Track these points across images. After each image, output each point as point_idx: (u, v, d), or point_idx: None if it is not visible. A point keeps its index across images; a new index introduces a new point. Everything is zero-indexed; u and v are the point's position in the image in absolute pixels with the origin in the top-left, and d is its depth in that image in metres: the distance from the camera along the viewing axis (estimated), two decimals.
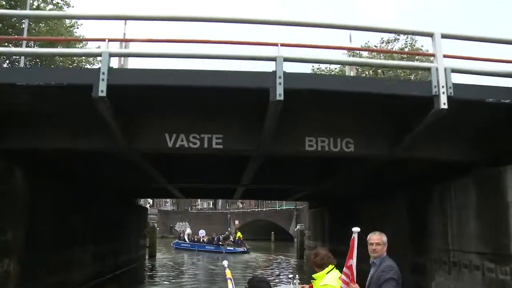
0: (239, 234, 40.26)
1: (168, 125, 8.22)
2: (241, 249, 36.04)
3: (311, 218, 24.02)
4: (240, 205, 78.55)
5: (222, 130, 8.34)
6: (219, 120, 8.33)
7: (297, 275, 7.81)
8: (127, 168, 11.28)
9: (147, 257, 26.21)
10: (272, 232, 52.35)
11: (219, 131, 8.32)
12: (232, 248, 36.15)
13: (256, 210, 63.39)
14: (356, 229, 4.57)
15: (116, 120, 7.23)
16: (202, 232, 42.91)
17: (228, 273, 6.33)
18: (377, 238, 4.74)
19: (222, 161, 11.33)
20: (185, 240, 39.98)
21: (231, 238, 39.40)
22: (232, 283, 5.77)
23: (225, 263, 7.08)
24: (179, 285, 17.96)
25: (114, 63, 7.78)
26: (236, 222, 60.49)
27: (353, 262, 4.58)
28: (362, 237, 4.68)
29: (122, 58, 8.98)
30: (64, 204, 12.05)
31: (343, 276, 4.61)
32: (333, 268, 4.66)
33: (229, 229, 60.20)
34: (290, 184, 15.61)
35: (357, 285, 4.50)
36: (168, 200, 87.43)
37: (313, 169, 12.87)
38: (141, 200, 78.23)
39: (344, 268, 4.61)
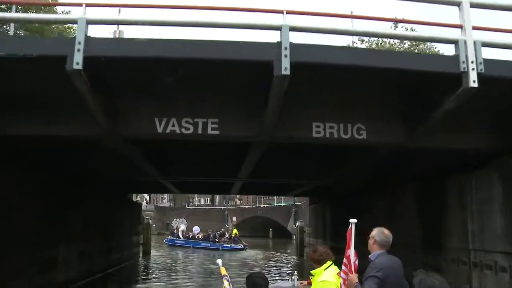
0: (235, 231, 39.42)
1: (158, 107, 7.25)
2: (238, 246, 35.40)
3: (311, 214, 23.10)
4: (238, 202, 77.67)
5: (219, 114, 7.36)
6: (215, 103, 7.36)
7: (295, 271, 7.56)
8: (114, 158, 10.30)
9: (141, 254, 25.28)
10: (270, 229, 51.50)
11: (215, 115, 7.34)
12: (229, 245, 35.47)
13: (254, 206, 62.52)
14: (353, 220, 4.62)
15: (96, 99, 6.24)
16: (196, 229, 42.16)
17: (222, 270, 6.06)
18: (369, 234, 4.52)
19: (219, 150, 10.32)
20: (179, 237, 39.08)
21: (227, 235, 38.57)
22: (228, 280, 5.54)
23: (219, 261, 6.90)
24: (175, 285, 17.00)
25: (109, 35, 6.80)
26: (234, 218, 59.68)
27: (351, 252, 4.55)
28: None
29: (118, 30, 8.01)
30: (47, 199, 11.08)
31: (343, 267, 4.58)
32: (332, 264, 4.65)
33: (226, 225, 59.58)
34: (292, 178, 14.67)
35: (356, 275, 4.36)
36: (165, 196, 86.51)
37: (317, 160, 11.90)
38: (138, 196, 77.74)
39: (344, 259, 4.58)
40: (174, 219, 63.09)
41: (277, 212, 53.08)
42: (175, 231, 42.10)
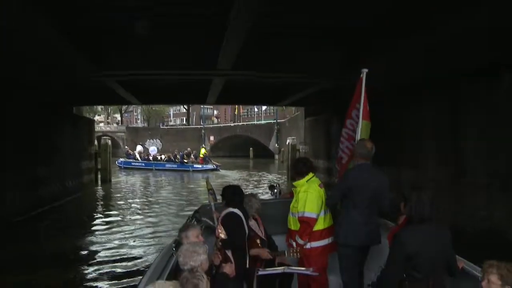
0: (203, 150, 34.62)
1: None
2: (210, 166, 31.54)
3: (308, 129, 18.01)
4: (216, 120, 72.97)
5: None
6: None
7: (278, 184, 6.53)
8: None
9: (99, 182, 20.37)
10: (251, 148, 47.07)
11: None
12: (200, 166, 31.50)
13: (233, 125, 57.79)
14: (365, 70, 4.76)
15: None
16: (153, 150, 37.65)
17: (207, 184, 5.18)
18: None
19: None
20: (136, 159, 34.05)
21: (192, 156, 34.20)
22: (212, 194, 4.90)
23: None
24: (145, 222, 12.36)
25: None
26: (211, 138, 55.13)
27: (360, 108, 4.58)
28: None
29: None
30: None
31: (343, 132, 4.91)
32: (313, 176, 4.51)
33: (203, 145, 55.19)
34: (290, 73, 9.49)
35: None
36: (139, 116, 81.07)
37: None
38: (109, 117, 72.22)
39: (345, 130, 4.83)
40: (148, 140, 58.11)
41: (258, 131, 48.44)
42: (129, 151, 36.57)
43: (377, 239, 4.14)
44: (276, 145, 43.90)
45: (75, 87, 12.44)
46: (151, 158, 34.15)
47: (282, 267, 4.10)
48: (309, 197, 4.30)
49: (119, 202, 16.36)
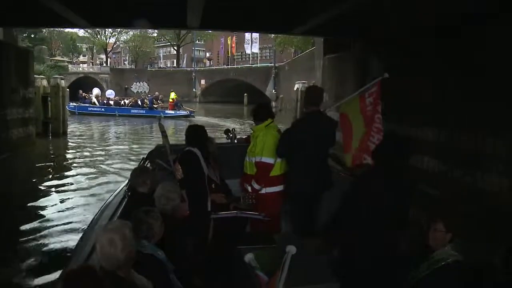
0: (173, 94, 29.21)
1: None
2: (184, 112, 26.99)
3: (329, 69, 12.46)
4: (208, 63, 67.07)
5: None
6: None
7: (233, 128, 6.02)
8: None
9: (50, 137, 15.40)
10: (245, 94, 41.80)
11: None
12: (173, 112, 26.74)
13: (226, 68, 52.17)
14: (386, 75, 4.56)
15: None
16: (110, 93, 32.04)
17: (160, 126, 4.71)
18: None
19: None
20: (93, 103, 28.50)
21: (159, 101, 29.04)
22: (165, 137, 4.51)
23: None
24: None
25: None
26: (202, 81, 50.03)
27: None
28: None
29: None
30: None
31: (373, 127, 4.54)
32: (272, 121, 4.37)
33: (194, 90, 50.39)
34: None
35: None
36: (126, 58, 74.71)
37: None
38: (80, 56, 66.49)
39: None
40: (134, 83, 53.06)
41: (254, 74, 43.10)
42: (83, 95, 30.20)
43: (329, 184, 4.13)
44: (273, 91, 38.99)
45: None
46: (111, 102, 28.66)
47: (235, 211, 4.11)
48: (267, 142, 4.21)
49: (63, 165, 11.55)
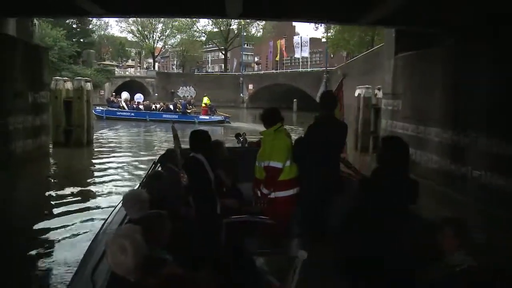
0: (206, 99, 27.25)
1: None
2: (219, 117, 24.95)
3: (403, 71, 9.37)
4: (256, 67, 64.85)
5: None
6: None
7: (244, 133, 6.00)
8: None
9: (71, 145, 13.29)
10: (295, 100, 39.08)
11: None
12: (207, 117, 24.86)
13: (275, 72, 49.65)
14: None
15: None
16: (139, 97, 30.20)
17: (173, 129, 4.68)
18: None
19: None
20: (121, 107, 26.78)
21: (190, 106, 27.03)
22: (178, 140, 4.42)
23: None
24: None
25: None
26: (250, 86, 47.89)
27: None
28: None
29: None
30: None
31: None
32: (281, 125, 4.24)
33: (241, 94, 48.40)
34: None
35: None
36: (174, 62, 73.83)
37: None
38: (129, 60, 65.39)
39: None
40: (180, 87, 51.42)
41: (304, 79, 40.40)
42: (111, 98, 28.94)
43: (339, 188, 4.14)
44: None
45: None
46: (141, 107, 26.87)
47: (246, 216, 4.04)
48: (276, 147, 4.12)
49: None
